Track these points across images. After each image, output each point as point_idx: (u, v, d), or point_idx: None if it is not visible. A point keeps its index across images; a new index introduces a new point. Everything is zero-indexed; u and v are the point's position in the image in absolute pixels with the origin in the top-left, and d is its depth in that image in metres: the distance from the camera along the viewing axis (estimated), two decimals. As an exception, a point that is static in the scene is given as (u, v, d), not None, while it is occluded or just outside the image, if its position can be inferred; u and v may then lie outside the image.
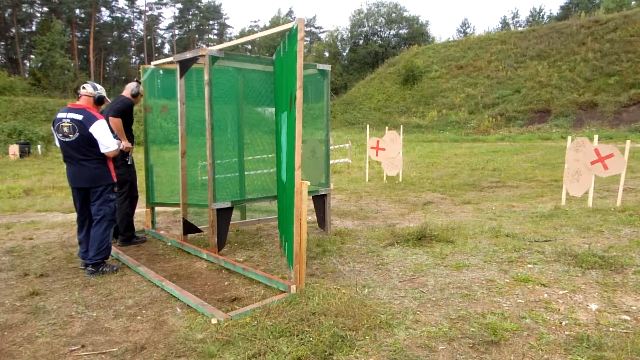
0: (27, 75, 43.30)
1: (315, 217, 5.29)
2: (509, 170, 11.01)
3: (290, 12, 67.57)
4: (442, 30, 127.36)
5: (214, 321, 2.82)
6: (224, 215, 4.50)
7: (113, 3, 56.31)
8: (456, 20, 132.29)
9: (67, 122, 3.81)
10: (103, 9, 55.20)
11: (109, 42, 58.41)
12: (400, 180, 9.69)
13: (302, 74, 3.13)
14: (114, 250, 4.42)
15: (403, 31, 51.68)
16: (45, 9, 49.47)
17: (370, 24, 51.15)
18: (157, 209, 6.14)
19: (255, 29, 67.60)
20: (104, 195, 3.96)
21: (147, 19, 61.20)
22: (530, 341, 2.53)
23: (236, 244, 4.89)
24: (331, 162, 9.65)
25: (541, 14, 55.24)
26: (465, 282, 3.50)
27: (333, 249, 4.50)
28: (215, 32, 68.68)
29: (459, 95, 30.52)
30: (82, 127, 3.80)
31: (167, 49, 65.47)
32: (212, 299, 3.28)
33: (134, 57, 62.61)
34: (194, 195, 5.10)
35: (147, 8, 61.70)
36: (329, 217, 5.24)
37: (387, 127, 10.38)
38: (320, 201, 5.14)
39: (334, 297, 3.15)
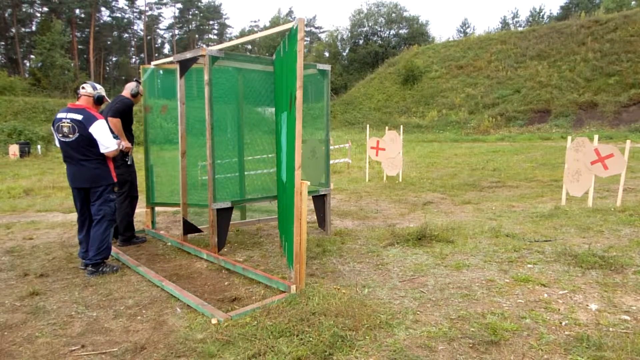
0: (27, 75, 43.30)
1: (315, 217, 5.29)
2: (509, 170, 11.01)
3: (290, 12, 67.62)
4: (442, 30, 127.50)
5: (214, 321, 2.82)
6: (224, 215, 4.50)
7: (113, 3, 56.38)
8: (456, 20, 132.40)
9: (67, 122, 3.81)
10: (103, 9, 55.26)
11: (109, 42, 58.41)
12: (400, 180, 9.70)
13: (302, 74, 3.13)
14: (114, 250, 4.42)
15: (403, 31, 51.69)
16: (45, 9, 49.48)
17: (370, 24, 51.15)
18: (157, 209, 6.14)
19: (255, 29, 67.62)
20: (104, 195, 3.96)
21: (147, 19, 61.21)
22: (530, 341, 2.53)
23: (236, 244, 4.89)
24: (331, 162, 9.66)
25: (541, 14, 55.32)
26: (465, 282, 3.50)
27: (333, 249, 4.50)
28: (215, 32, 68.70)
29: (459, 95, 30.52)
30: (82, 127, 3.80)
31: (167, 49, 65.57)
32: (212, 299, 3.28)
33: (134, 57, 62.63)
34: (194, 195, 5.10)
35: (147, 8, 61.80)
36: (329, 217, 5.24)
37: (387, 127, 10.38)
38: (320, 201, 5.14)
39: (334, 297, 3.15)
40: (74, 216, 5.69)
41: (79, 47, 51.41)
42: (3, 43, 49.14)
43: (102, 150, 3.89)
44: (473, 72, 32.36)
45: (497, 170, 11.09)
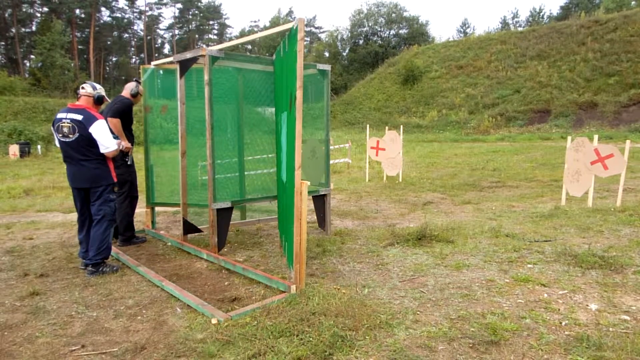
0: (27, 75, 43.31)
1: (315, 217, 5.29)
2: (509, 170, 11.01)
3: (290, 12, 67.61)
4: (442, 30, 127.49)
5: (214, 321, 2.82)
6: (224, 215, 4.50)
7: (113, 3, 56.38)
8: (456, 20, 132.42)
9: (67, 122, 3.81)
10: (103, 9, 55.27)
11: (109, 42, 58.41)
12: (400, 180, 9.70)
13: (302, 74, 3.13)
14: (114, 250, 4.42)
15: (403, 31, 51.69)
16: (45, 9, 49.48)
17: (370, 24, 51.15)
18: (157, 209, 6.14)
19: (255, 29, 67.63)
20: (104, 195, 3.96)
21: (147, 19, 61.21)
22: (530, 341, 2.53)
23: (236, 244, 4.89)
24: (331, 162, 9.66)
25: (541, 14, 55.33)
26: (465, 282, 3.50)
27: (333, 249, 4.50)
28: (215, 32, 68.70)
29: (459, 95, 30.52)
30: (82, 127, 3.80)
31: (167, 49, 65.56)
32: (212, 299, 3.28)
33: (134, 57, 62.63)
34: (194, 195, 5.10)
35: (147, 8, 61.81)
36: (329, 217, 5.24)
37: (387, 127, 10.38)
38: (320, 201, 5.14)
39: (334, 297, 3.15)
40: (74, 216, 5.69)
41: (79, 47, 51.42)
42: (3, 43, 49.15)
43: (102, 150, 3.89)
44: (473, 72, 32.36)
45: (497, 170, 11.09)
